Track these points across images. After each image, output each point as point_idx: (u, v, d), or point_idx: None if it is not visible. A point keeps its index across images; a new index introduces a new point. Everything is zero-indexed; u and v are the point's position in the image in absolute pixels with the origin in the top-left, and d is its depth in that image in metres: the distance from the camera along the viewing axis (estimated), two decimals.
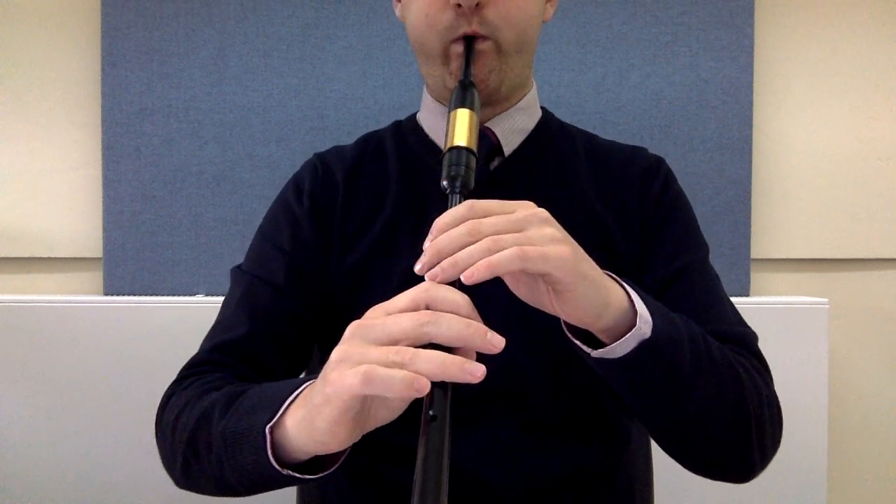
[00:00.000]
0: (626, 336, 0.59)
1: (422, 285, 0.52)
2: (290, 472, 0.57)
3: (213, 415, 0.65)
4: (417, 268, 0.54)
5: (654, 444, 0.79)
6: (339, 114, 1.51)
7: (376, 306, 0.53)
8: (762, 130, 1.60)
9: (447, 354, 0.48)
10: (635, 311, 0.60)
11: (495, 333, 0.49)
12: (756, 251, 1.59)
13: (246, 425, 0.60)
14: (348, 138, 0.96)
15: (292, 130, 1.51)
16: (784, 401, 0.76)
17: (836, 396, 1.61)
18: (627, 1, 1.54)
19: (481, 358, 0.49)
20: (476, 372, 0.47)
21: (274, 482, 0.59)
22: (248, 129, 1.50)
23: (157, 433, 0.74)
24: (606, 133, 0.98)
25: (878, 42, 1.61)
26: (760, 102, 1.59)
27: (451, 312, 0.50)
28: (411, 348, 0.48)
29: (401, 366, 0.48)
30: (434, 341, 0.49)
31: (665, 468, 0.83)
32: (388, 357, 0.48)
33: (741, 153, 1.55)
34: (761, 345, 0.79)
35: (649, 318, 0.61)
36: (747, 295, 1.56)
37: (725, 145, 1.55)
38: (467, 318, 0.50)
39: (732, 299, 0.84)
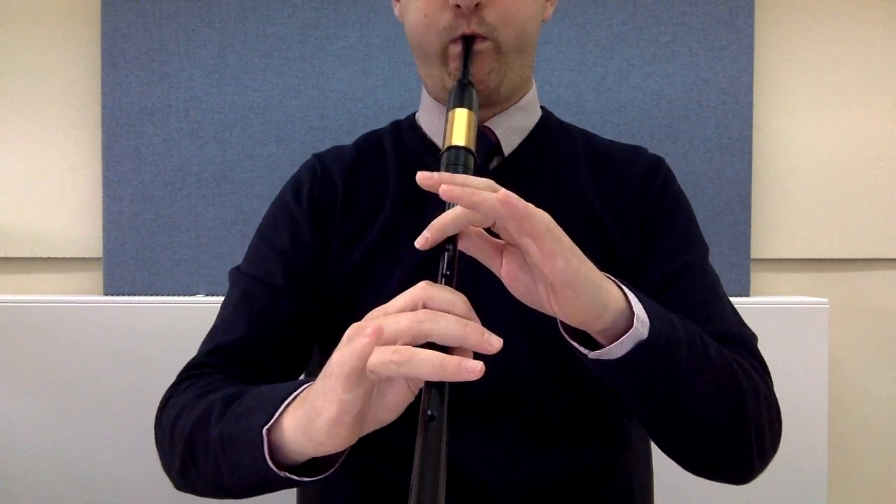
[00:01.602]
0: (624, 337, 0.59)
1: (419, 285, 0.52)
2: (287, 474, 0.57)
3: (210, 417, 0.65)
4: (419, 243, 0.53)
5: (654, 445, 0.79)
6: (339, 114, 1.51)
7: (376, 309, 0.53)
8: (762, 130, 1.60)
9: (444, 354, 0.48)
10: (633, 313, 0.60)
11: (492, 334, 0.49)
12: (756, 251, 1.59)
13: (243, 427, 0.60)
14: (348, 138, 0.96)
15: (292, 130, 1.51)
16: (784, 401, 0.76)
17: (836, 396, 1.61)
18: (627, 1, 1.54)
19: (481, 359, 0.49)
20: (474, 369, 0.47)
21: (271, 484, 0.59)
22: (248, 129, 1.50)
23: (155, 436, 0.74)
24: (606, 133, 0.98)
25: (878, 42, 1.61)
26: (760, 102, 1.59)
27: (448, 312, 0.50)
28: (410, 347, 0.48)
29: (399, 365, 0.47)
30: (432, 340, 0.49)
31: (665, 468, 0.83)
32: (385, 356, 0.48)
33: (741, 153, 1.55)
34: (761, 345, 0.79)
35: (646, 320, 0.60)
36: (747, 295, 1.56)
37: (725, 145, 1.55)
38: (464, 317, 0.50)
39: (732, 299, 0.83)
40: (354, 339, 0.50)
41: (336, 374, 0.51)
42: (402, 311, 0.51)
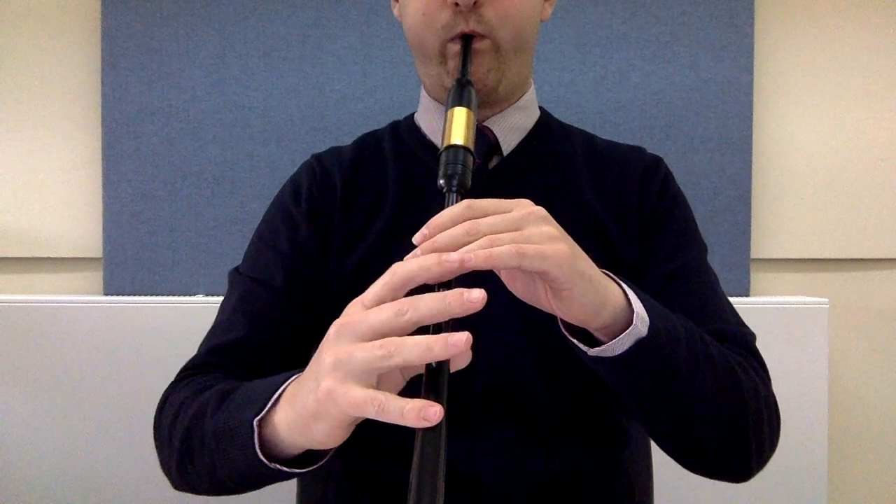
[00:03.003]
0: (623, 334, 0.59)
1: (390, 269, 0.52)
2: (278, 466, 0.57)
3: (206, 412, 0.65)
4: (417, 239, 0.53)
5: (654, 445, 0.78)
6: (339, 114, 1.51)
7: (353, 301, 0.52)
8: (762, 130, 1.60)
9: (430, 336, 0.47)
10: (632, 310, 0.60)
11: (472, 290, 0.48)
12: (756, 251, 1.59)
13: (235, 421, 0.60)
14: (348, 138, 0.96)
15: (292, 130, 1.51)
16: (784, 401, 0.76)
17: (836, 396, 1.61)
18: (627, 1, 1.54)
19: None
20: (459, 342, 0.46)
21: (263, 477, 0.59)
22: (248, 129, 1.50)
23: (154, 434, 0.74)
24: (606, 133, 0.98)
25: (878, 42, 1.61)
26: (760, 102, 1.59)
27: (424, 279, 0.50)
28: (396, 339, 0.48)
29: (388, 357, 0.47)
30: (418, 325, 0.49)
31: (665, 468, 0.83)
32: (373, 353, 0.48)
33: (741, 153, 1.55)
34: (761, 345, 0.79)
35: (646, 317, 0.61)
36: (747, 295, 1.56)
37: (725, 145, 1.55)
38: (439, 274, 0.50)
39: (732, 299, 0.83)
40: (353, 392, 0.48)
41: (332, 415, 0.50)
42: (381, 298, 0.51)
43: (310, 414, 0.52)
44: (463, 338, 0.46)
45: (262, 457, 0.57)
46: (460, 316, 0.49)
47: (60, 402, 1.37)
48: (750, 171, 1.56)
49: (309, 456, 0.59)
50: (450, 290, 0.49)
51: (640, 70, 1.54)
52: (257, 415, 0.57)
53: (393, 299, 0.50)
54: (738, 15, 1.55)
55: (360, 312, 0.50)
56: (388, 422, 0.46)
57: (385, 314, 0.49)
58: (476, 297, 0.48)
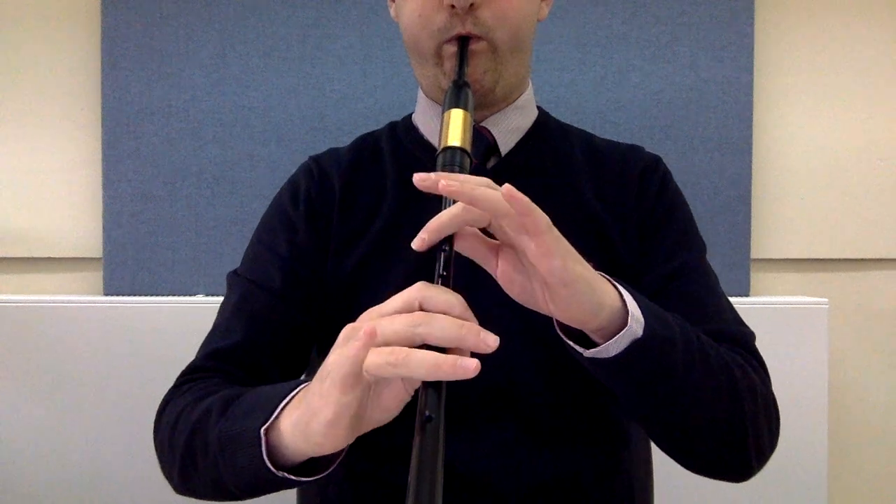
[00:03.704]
0: (618, 335, 0.59)
1: (415, 286, 0.52)
2: (285, 474, 0.57)
3: (209, 418, 0.65)
4: (416, 245, 0.53)
5: (654, 445, 0.78)
6: (339, 114, 1.51)
7: (371, 309, 0.53)
8: (762, 130, 1.60)
9: (439, 354, 0.48)
10: (627, 311, 0.60)
11: (489, 332, 0.49)
12: (756, 251, 1.59)
13: (241, 428, 0.60)
14: (348, 138, 0.95)
15: (292, 130, 1.51)
16: (784, 401, 0.76)
17: (836, 396, 1.61)
18: (627, 1, 1.54)
19: (479, 358, 0.49)
20: (469, 367, 0.47)
21: (269, 484, 0.59)
22: (248, 129, 1.50)
23: (155, 439, 0.74)
24: (606, 133, 0.98)
25: (878, 42, 1.61)
26: (760, 102, 1.59)
27: (445, 313, 0.50)
28: (405, 348, 0.48)
29: (395, 366, 0.47)
30: (427, 342, 0.49)
31: (665, 468, 0.83)
32: (381, 358, 0.48)
33: (741, 153, 1.55)
34: (761, 345, 0.79)
35: (641, 318, 0.61)
36: (747, 295, 1.56)
37: (725, 145, 1.55)
38: (461, 318, 0.50)
39: (732, 299, 0.83)
40: (349, 343, 0.50)
41: (332, 378, 0.51)
42: (398, 312, 0.51)
43: (311, 409, 0.52)
44: (472, 365, 0.47)
45: (269, 465, 0.57)
46: (468, 350, 0.49)
47: (60, 402, 1.38)
48: (750, 171, 1.56)
49: (314, 465, 0.59)
50: (466, 322, 0.49)
51: (640, 70, 1.54)
52: (264, 422, 0.57)
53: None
54: (738, 15, 1.55)
55: (374, 320, 0.51)
56: (373, 374, 0.48)
57: (398, 324, 0.49)
58: (491, 344, 0.49)
